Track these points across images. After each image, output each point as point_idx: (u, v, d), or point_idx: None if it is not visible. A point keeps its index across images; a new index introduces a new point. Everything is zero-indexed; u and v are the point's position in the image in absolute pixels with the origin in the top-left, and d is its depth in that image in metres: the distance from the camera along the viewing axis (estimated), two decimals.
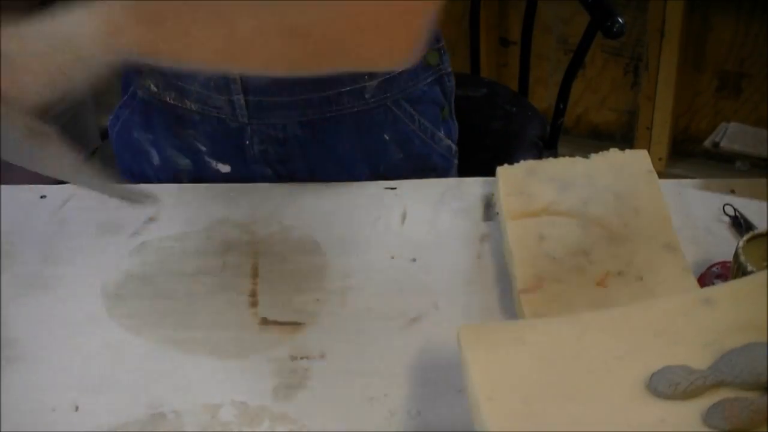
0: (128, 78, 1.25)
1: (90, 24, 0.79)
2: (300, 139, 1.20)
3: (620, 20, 1.53)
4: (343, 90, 1.16)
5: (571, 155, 1.14)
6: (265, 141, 1.20)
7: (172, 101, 1.20)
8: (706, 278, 1.01)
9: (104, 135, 2.09)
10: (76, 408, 0.92)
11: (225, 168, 1.23)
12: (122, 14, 0.79)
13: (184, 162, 1.25)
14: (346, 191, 1.18)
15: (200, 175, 1.25)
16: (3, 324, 1.01)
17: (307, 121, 1.18)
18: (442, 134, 1.27)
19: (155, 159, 1.27)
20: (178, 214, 1.15)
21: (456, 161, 1.32)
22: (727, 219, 1.10)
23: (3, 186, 1.20)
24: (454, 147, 1.30)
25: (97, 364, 0.97)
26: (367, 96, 1.18)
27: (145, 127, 1.25)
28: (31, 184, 1.23)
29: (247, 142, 1.20)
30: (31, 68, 0.79)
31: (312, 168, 1.22)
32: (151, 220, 1.15)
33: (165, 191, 1.19)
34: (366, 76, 1.16)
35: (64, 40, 0.79)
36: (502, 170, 1.13)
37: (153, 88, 1.20)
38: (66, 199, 1.19)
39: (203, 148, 1.23)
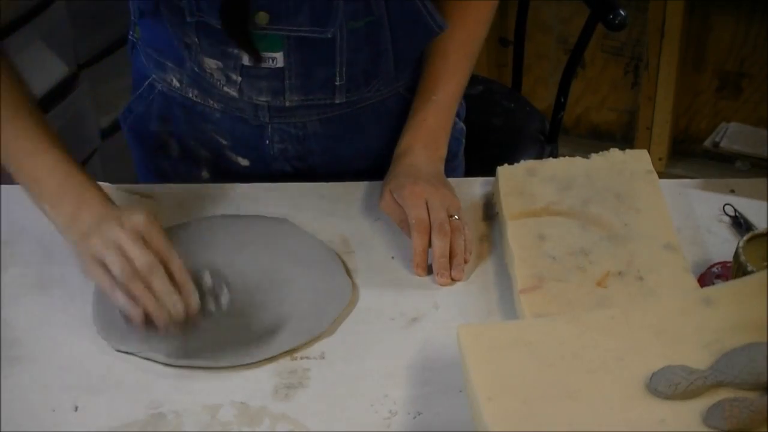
0: (144, 71, 1.24)
1: None
2: (319, 136, 1.20)
3: (622, 12, 1.53)
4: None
5: (571, 155, 1.14)
6: (285, 140, 1.20)
7: (194, 98, 1.20)
8: (706, 278, 1.01)
9: (104, 135, 2.08)
10: (76, 408, 0.92)
11: (245, 162, 1.24)
12: None
13: (205, 154, 1.24)
14: (347, 191, 1.18)
15: (220, 167, 1.24)
16: (3, 324, 1.01)
17: (326, 119, 1.19)
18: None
19: (174, 151, 1.26)
20: (176, 214, 1.15)
21: (464, 141, 1.32)
22: (727, 219, 1.10)
23: (3, 186, 1.19)
24: (463, 127, 1.31)
25: (97, 364, 0.96)
26: (381, 87, 1.19)
27: (163, 120, 1.24)
28: None
29: (267, 142, 1.21)
30: None
31: (330, 163, 1.22)
32: None
33: (163, 191, 1.19)
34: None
35: None
36: (502, 170, 1.13)
37: (175, 83, 1.20)
38: None
39: (224, 142, 1.23)
